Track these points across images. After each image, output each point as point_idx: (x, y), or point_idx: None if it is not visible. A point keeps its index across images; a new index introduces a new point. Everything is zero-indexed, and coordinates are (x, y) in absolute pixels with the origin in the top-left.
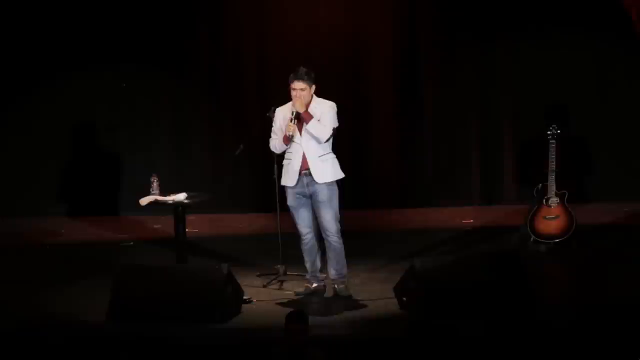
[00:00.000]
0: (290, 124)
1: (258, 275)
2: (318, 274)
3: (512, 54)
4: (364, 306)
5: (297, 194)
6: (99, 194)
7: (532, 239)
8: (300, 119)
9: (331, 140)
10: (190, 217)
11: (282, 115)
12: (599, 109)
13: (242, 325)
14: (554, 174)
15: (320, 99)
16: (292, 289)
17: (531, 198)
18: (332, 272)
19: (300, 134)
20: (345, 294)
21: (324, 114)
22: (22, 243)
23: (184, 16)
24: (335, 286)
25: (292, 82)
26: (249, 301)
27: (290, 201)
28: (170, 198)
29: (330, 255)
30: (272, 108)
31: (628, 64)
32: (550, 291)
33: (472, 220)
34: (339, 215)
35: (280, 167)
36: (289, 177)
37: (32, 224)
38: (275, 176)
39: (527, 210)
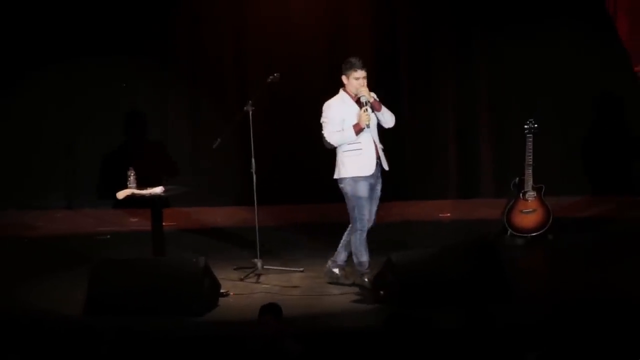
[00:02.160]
0: (366, 113)
1: (235, 269)
2: (364, 270)
3: (489, 48)
4: (342, 299)
5: (370, 184)
6: (75, 186)
7: (508, 232)
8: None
9: None
10: (167, 211)
11: (339, 107)
12: (574, 102)
13: (218, 319)
14: (531, 167)
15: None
16: (269, 282)
17: (508, 192)
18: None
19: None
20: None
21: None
22: None
23: (162, 9)
24: (365, 279)
25: (355, 71)
26: (226, 294)
27: (364, 192)
28: (147, 191)
29: (363, 246)
30: (250, 101)
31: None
32: (527, 284)
33: (449, 214)
34: None
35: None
36: (365, 167)
37: (9, 217)
38: (253, 169)
39: (504, 203)
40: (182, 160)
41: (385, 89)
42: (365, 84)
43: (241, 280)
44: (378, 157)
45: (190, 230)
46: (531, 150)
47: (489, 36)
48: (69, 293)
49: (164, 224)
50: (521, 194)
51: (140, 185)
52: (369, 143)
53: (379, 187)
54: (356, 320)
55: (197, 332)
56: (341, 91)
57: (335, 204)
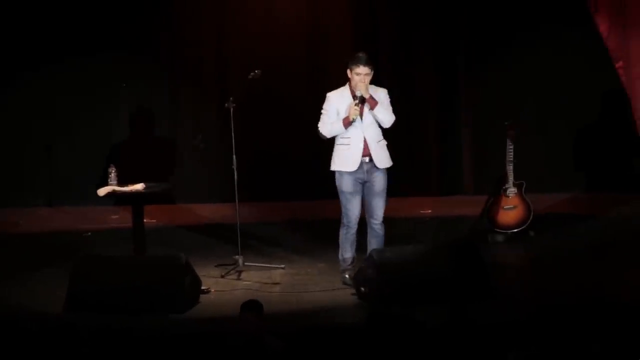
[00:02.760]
0: (355, 107)
1: (216, 266)
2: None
3: (472, 46)
4: (323, 296)
5: (356, 179)
6: (55, 184)
7: (490, 229)
8: (364, 104)
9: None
10: (148, 208)
11: (336, 100)
12: (555, 102)
13: (200, 316)
14: (512, 164)
15: (373, 86)
16: (250, 279)
17: (489, 188)
18: None
19: (362, 118)
20: None
21: (383, 100)
22: None
23: (142, 7)
24: (346, 275)
25: (357, 66)
26: (207, 291)
27: (348, 187)
28: (129, 188)
29: (373, 241)
30: (231, 98)
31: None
32: (508, 280)
33: (430, 211)
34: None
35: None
36: (349, 162)
37: None
38: (234, 166)
39: (485, 200)
40: (163, 157)
41: None
42: (367, 80)
43: (222, 277)
44: (368, 154)
45: (172, 227)
46: (512, 147)
47: (471, 34)
48: (49, 290)
49: (145, 221)
50: (502, 191)
51: (121, 182)
52: (358, 139)
53: (377, 184)
54: (337, 317)
55: (179, 329)
56: (347, 84)
57: (317, 201)
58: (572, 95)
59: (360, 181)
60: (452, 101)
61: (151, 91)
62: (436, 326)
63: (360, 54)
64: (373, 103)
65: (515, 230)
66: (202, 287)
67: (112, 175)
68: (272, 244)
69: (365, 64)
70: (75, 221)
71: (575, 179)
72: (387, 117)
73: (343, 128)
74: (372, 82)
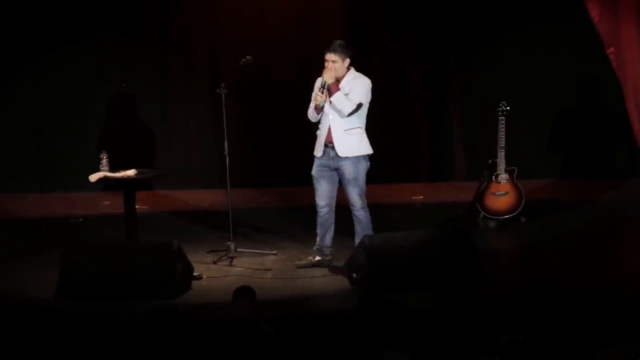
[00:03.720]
0: (319, 93)
1: (208, 252)
2: (324, 249)
3: (462, 32)
4: (315, 282)
5: (322, 165)
6: (47, 170)
7: (481, 215)
8: (329, 90)
9: (362, 115)
10: (140, 194)
11: (315, 86)
12: (547, 85)
13: (192, 302)
14: (503, 150)
15: (358, 74)
16: (242, 265)
17: (481, 174)
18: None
19: (331, 105)
20: None
21: (354, 88)
22: None
23: None
24: (317, 257)
25: (325, 54)
26: (199, 277)
27: (314, 171)
28: (120, 174)
29: (357, 228)
30: (222, 84)
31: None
32: (500, 267)
33: (422, 197)
34: (364, 190)
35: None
36: (316, 148)
37: None
38: (226, 152)
39: (476, 186)
40: (154, 143)
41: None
42: (332, 67)
43: (214, 263)
44: (330, 141)
45: (163, 213)
46: (504, 133)
47: (462, 21)
48: (40, 277)
49: (136, 207)
50: (494, 177)
51: (112, 168)
52: (324, 126)
53: (345, 172)
54: (329, 303)
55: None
56: None
57: (309, 187)
58: (561, 83)
59: (327, 168)
60: (443, 87)
61: (142, 76)
62: (427, 311)
63: (334, 41)
64: (333, 90)
65: (507, 216)
66: (194, 274)
67: (104, 161)
68: (264, 231)
69: (331, 50)
70: (66, 207)
71: (565, 165)
72: (342, 106)
73: (313, 113)
74: (361, 70)
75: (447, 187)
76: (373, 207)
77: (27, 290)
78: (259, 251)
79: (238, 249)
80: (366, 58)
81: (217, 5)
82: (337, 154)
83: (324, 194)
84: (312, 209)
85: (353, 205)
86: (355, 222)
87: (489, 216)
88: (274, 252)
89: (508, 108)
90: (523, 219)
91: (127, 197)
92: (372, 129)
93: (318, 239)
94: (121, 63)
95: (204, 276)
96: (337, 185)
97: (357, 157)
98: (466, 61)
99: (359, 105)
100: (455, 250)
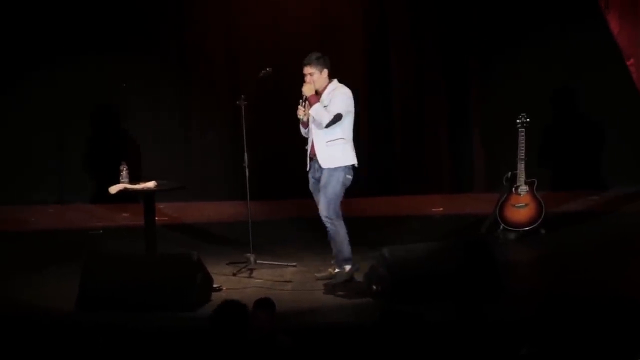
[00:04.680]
0: (300, 107)
1: (228, 264)
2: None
3: (482, 43)
4: (334, 294)
5: (312, 178)
6: (68, 181)
7: (501, 227)
8: (310, 103)
9: (346, 125)
10: (159, 205)
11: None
12: (568, 99)
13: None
14: (523, 162)
15: (339, 85)
16: (262, 277)
17: (500, 186)
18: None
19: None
20: (338, 279)
21: (334, 99)
22: None
23: (151, 4)
24: (336, 270)
25: (304, 67)
26: (219, 289)
27: (310, 186)
28: (140, 186)
29: (329, 239)
30: (242, 96)
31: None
32: (519, 279)
33: (441, 208)
34: (334, 200)
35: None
36: (306, 162)
37: (0, 212)
38: (246, 164)
39: (496, 198)
40: (175, 155)
41: (376, 84)
42: (310, 80)
43: (234, 275)
44: (314, 154)
45: (183, 225)
46: (524, 145)
47: (482, 33)
48: (61, 288)
49: (156, 218)
50: (513, 188)
51: (132, 180)
52: (310, 139)
53: (321, 180)
54: (349, 315)
55: (190, 326)
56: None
57: None
58: (582, 93)
59: (316, 180)
60: (462, 99)
61: (161, 89)
62: (448, 323)
63: (310, 54)
64: (312, 102)
65: (527, 228)
66: (214, 285)
67: (124, 172)
68: (284, 242)
69: (306, 63)
70: (86, 219)
71: (586, 176)
72: (320, 118)
73: (302, 129)
74: (380, 83)
75: (467, 199)
76: (393, 219)
77: (48, 302)
78: (278, 263)
79: (258, 261)
80: (386, 71)
81: (235, 16)
82: (320, 165)
83: (320, 207)
84: None
85: (321, 214)
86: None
87: (509, 228)
88: (294, 264)
89: (528, 120)
90: (543, 231)
91: (147, 208)
92: (392, 141)
93: (333, 250)
94: (141, 75)
95: (224, 288)
96: None
97: (335, 168)
98: (486, 72)
99: (338, 116)
100: (476, 262)
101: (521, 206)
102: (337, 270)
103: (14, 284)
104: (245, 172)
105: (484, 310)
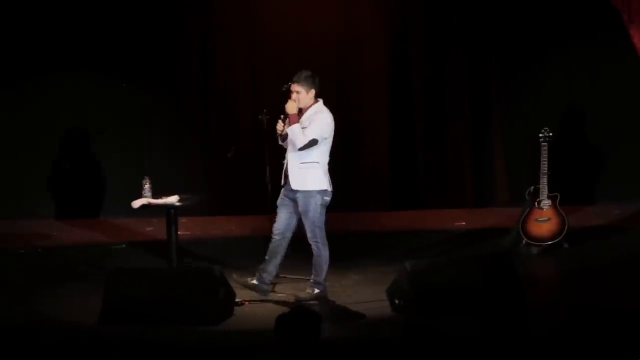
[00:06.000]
0: (280, 122)
1: (250, 278)
2: (264, 275)
3: (504, 57)
4: (357, 308)
5: (284, 194)
6: (90, 196)
7: (524, 241)
8: (289, 121)
9: (322, 150)
10: (182, 220)
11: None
12: (591, 112)
13: (234, 328)
14: (546, 176)
15: (323, 109)
16: (284, 291)
17: (523, 200)
18: (312, 276)
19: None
20: (299, 298)
21: (313, 123)
22: (12, 245)
23: (175, 18)
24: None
25: (292, 84)
26: (241, 303)
27: (278, 199)
28: (163, 201)
29: (313, 259)
30: (264, 110)
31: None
32: (542, 293)
33: (464, 223)
34: (318, 223)
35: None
36: (282, 177)
37: (23, 226)
38: (268, 178)
39: (519, 212)
40: (197, 169)
41: (398, 99)
42: (295, 98)
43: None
44: (287, 174)
45: (206, 239)
46: (546, 159)
47: (504, 45)
48: (84, 302)
49: (179, 233)
50: (536, 203)
51: (155, 195)
52: (286, 158)
53: (299, 204)
54: (371, 329)
55: (213, 341)
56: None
57: (348, 213)
58: (605, 107)
59: (287, 197)
60: (485, 113)
61: (184, 103)
62: (470, 338)
63: (300, 72)
64: (292, 121)
65: (549, 242)
66: (236, 299)
67: (147, 187)
68: (306, 256)
69: (295, 81)
70: (109, 233)
71: (609, 190)
72: (295, 139)
73: (280, 142)
74: (403, 95)
75: (490, 213)
76: (416, 233)
77: (71, 316)
78: (300, 277)
79: (280, 275)
80: (408, 85)
81: (257, 32)
82: (291, 186)
83: (280, 223)
84: (353, 234)
85: (308, 238)
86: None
87: (532, 242)
88: (270, 279)
89: (551, 134)
90: (566, 245)
91: (170, 223)
92: (416, 156)
93: (263, 263)
94: (163, 89)
95: (246, 302)
96: (295, 217)
97: (309, 191)
98: (508, 87)
99: (313, 141)
100: (498, 276)
101: (544, 220)
102: (254, 282)
103: (38, 298)
104: (268, 187)
105: (507, 325)
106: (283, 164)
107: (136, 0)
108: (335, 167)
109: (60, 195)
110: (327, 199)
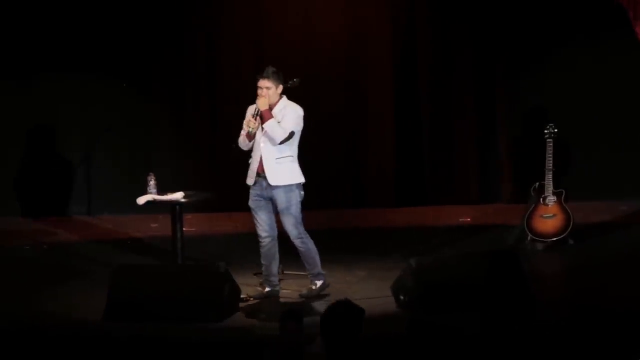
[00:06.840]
0: (252, 119)
1: (255, 274)
2: (272, 279)
3: (509, 56)
4: (362, 304)
5: (256, 195)
6: (95, 192)
7: (529, 237)
8: (262, 117)
9: (293, 143)
10: (187, 216)
11: (249, 112)
12: (596, 108)
13: (239, 324)
14: (551, 172)
15: (290, 102)
16: (289, 287)
17: (528, 196)
18: (308, 271)
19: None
20: (307, 294)
21: (286, 116)
22: (18, 242)
23: (181, 18)
24: (311, 286)
25: (259, 80)
26: (246, 300)
27: (250, 202)
28: (168, 197)
29: (301, 256)
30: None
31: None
32: (547, 289)
33: (469, 219)
34: (299, 219)
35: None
36: (249, 177)
37: (28, 224)
38: None
39: (524, 208)
40: (202, 165)
41: (404, 97)
42: (264, 93)
43: (261, 285)
44: (262, 171)
45: (211, 235)
46: (551, 155)
47: (509, 43)
48: (89, 299)
49: (184, 229)
50: (541, 199)
51: (160, 191)
52: (256, 154)
53: (278, 201)
54: (376, 326)
55: (218, 337)
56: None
57: (353, 209)
58: (609, 103)
59: (262, 197)
60: (490, 109)
61: (189, 100)
62: (475, 334)
63: (266, 68)
64: (266, 117)
65: (555, 238)
66: (241, 296)
67: (151, 183)
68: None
69: (265, 77)
70: (114, 230)
71: (615, 186)
72: (275, 134)
73: (246, 141)
74: (410, 94)
75: (495, 209)
76: (420, 229)
77: (76, 313)
78: (305, 273)
79: (284, 271)
80: (414, 84)
81: (264, 32)
82: (268, 183)
83: (263, 225)
84: (358, 230)
85: (290, 236)
86: (299, 251)
87: (537, 238)
88: (278, 279)
89: (556, 130)
90: (571, 242)
91: (175, 219)
92: (421, 152)
93: (264, 269)
94: (168, 87)
95: (251, 298)
96: (273, 215)
97: (289, 185)
98: (513, 84)
99: (291, 134)
100: (503, 272)
101: (549, 217)
102: (267, 289)
103: (42, 295)
104: None
105: (512, 322)
106: (249, 164)
107: (143, 1)
108: (342, 164)
109: (65, 193)
110: (302, 193)
